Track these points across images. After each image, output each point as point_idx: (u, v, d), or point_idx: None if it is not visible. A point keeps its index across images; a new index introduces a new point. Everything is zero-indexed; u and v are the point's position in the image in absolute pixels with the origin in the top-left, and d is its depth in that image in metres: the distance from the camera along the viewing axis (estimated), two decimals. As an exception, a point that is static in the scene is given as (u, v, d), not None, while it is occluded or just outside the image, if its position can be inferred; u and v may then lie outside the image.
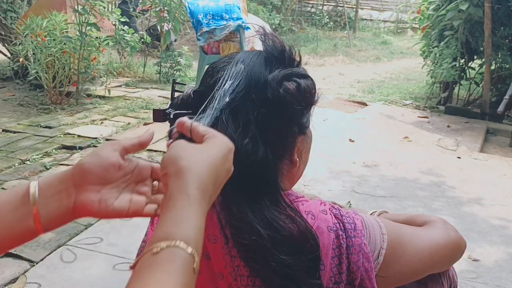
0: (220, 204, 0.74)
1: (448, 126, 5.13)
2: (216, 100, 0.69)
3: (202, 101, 0.71)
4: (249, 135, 0.69)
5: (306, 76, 0.76)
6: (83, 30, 4.64)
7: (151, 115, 0.76)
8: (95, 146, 3.80)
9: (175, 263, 0.48)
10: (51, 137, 3.95)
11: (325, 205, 0.77)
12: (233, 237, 0.71)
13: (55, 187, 0.61)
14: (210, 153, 0.58)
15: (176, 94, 0.77)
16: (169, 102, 0.76)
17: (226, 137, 0.61)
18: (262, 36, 0.76)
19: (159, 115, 0.72)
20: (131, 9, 6.75)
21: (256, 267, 0.70)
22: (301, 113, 0.76)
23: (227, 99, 0.69)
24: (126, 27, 5.66)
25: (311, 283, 0.69)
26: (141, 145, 0.65)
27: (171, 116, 0.71)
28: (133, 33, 5.74)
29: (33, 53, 4.75)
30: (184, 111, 0.71)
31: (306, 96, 0.74)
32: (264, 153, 0.70)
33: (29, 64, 4.74)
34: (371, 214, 0.93)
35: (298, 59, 0.77)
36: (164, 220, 0.53)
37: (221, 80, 0.71)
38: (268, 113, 0.71)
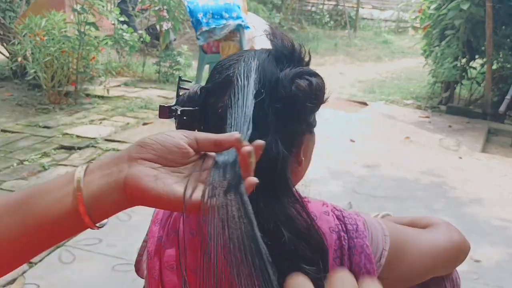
0: None
1: (450, 126, 5.11)
2: (241, 100, 0.67)
3: (210, 98, 0.71)
4: (270, 132, 0.69)
5: (316, 75, 0.76)
6: (82, 30, 4.62)
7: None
8: (94, 147, 3.78)
9: None
10: (50, 137, 3.93)
11: (327, 206, 0.77)
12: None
13: (106, 167, 0.52)
14: None
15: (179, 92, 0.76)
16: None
17: None
18: (271, 35, 0.76)
19: (165, 112, 0.71)
20: (130, 8, 6.73)
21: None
22: (311, 111, 0.76)
23: (251, 97, 0.68)
24: (125, 26, 5.64)
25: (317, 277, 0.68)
26: (216, 145, 0.55)
27: (178, 113, 0.70)
28: (132, 32, 5.72)
29: (32, 53, 4.73)
30: (191, 108, 0.71)
31: (318, 94, 0.75)
32: (284, 150, 0.70)
33: (27, 64, 4.71)
34: (373, 217, 0.91)
35: (307, 58, 0.78)
36: None
37: (238, 78, 0.70)
38: (282, 110, 0.70)
